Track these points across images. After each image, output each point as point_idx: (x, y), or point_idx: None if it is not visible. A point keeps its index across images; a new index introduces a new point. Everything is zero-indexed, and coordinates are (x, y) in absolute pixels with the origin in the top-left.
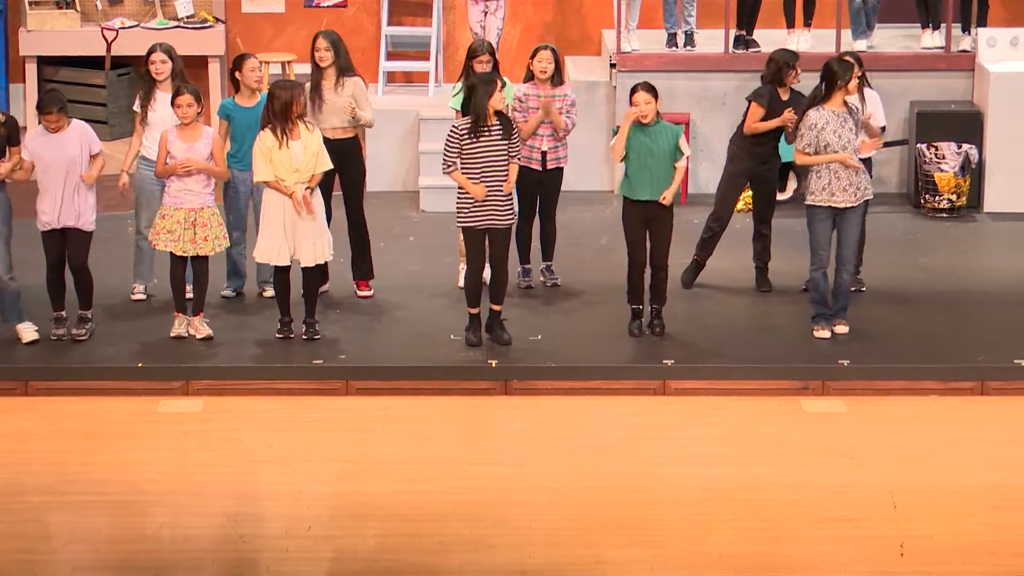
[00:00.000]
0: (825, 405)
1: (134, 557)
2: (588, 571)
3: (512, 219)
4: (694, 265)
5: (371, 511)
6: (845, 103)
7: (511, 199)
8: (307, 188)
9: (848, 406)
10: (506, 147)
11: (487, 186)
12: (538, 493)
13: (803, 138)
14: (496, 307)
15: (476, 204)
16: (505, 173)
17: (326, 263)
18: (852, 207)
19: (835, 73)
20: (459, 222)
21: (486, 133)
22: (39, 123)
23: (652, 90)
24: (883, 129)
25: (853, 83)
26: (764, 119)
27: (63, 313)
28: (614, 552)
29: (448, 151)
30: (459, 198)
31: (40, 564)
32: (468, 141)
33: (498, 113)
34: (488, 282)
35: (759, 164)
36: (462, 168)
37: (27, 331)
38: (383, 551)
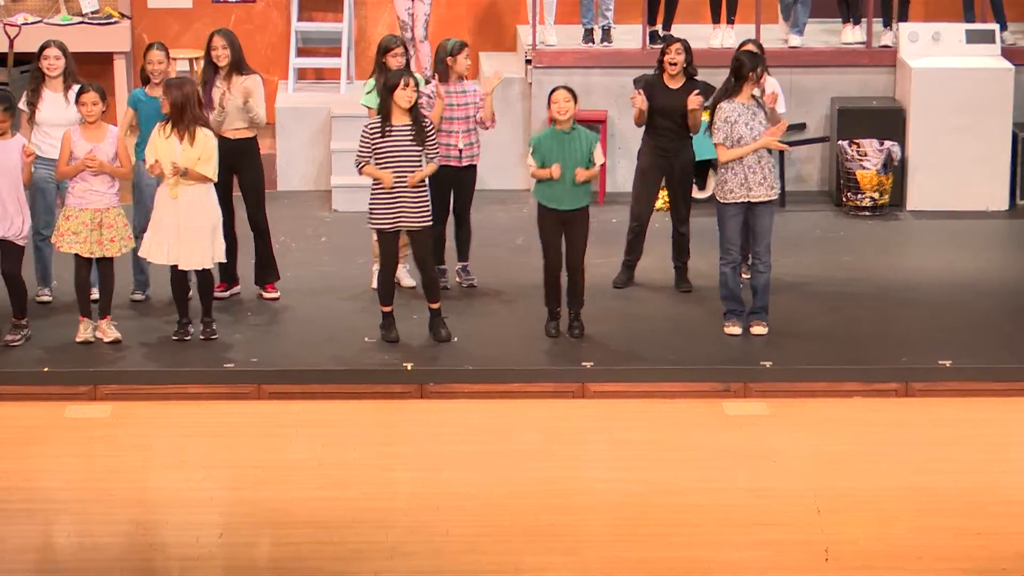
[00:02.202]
0: (747, 407)
1: (41, 566)
2: None
3: (427, 220)
4: (624, 267)
5: (284, 518)
6: (752, 96)
7: (426, 199)
8: (177, 171)
9: (770, 408)
10: (420, 149)
11: (395, 188)
12: (455, 499)
13: (719, 131)
14: (434, 305)
15: (388, 205)
16: (416, 174)
17: (234, 265)
18: (766, 202)
19: (744, 64)
20: (371, 223)
21: (393, 132)
22: None
23: (572, 93)
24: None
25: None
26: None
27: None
28: (532, 558)
29: (361, 150)
30: (372, 198)
31: None
32: (379, 139)
33: (413, 113)
34: (400, 284)
35: (660, 158)
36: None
37: None
38: (297, 558)
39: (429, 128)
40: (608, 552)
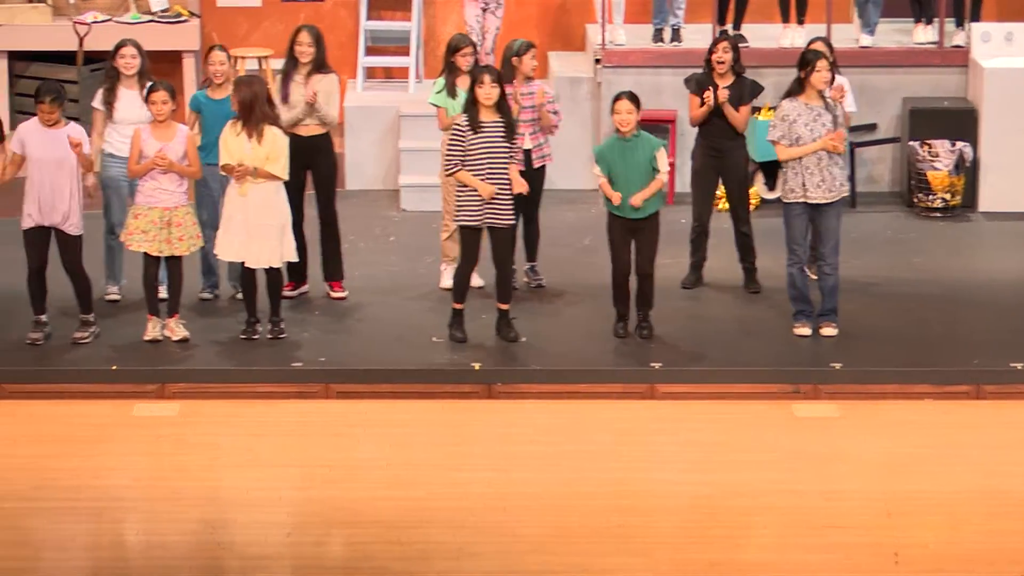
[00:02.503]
0: (817, 409)
1: (109, 564)
2: None
3: (512, 218)
4: (691, 268)
5: (351, 517)
6: (823, 98)
7: (511, 196)
8: (245, 169)
9: (840, 410)
10: (508, 145)
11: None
12: (523, 499)
13: (776, 129)
14: (503, 306)
15: (477, 201)
16: (504, 171)
17: (304, 263)
18: (830, 203)
19: (804, 60)
20: (458, 220)
21: (485, 129)
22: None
23: (635, 100)
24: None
25: (823, 73)
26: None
27: (43, 317)
28: (601, 560)
29: (451, 152)
30: (459, 194)
31: (14, 572)
32: (471, 137)
33: (502, 110)
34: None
35: (712, 158)
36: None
37: None
38: (364, 558)
39: (517, 125)
40: (677, 554)
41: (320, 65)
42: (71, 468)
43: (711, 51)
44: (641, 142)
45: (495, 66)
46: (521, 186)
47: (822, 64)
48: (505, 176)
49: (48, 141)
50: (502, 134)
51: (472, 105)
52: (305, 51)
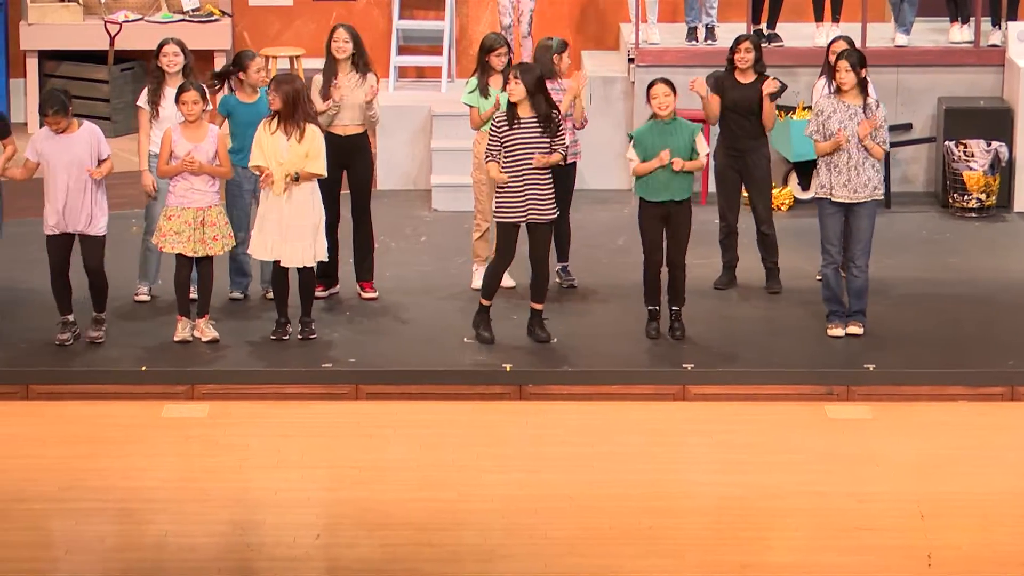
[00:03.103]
0: (850, 411)
1: (138, 566)
2: None
3: (552, 214)
4: (724, 269)
5: (381, 519)
6: (863, 97)
7: (552, 193)
8: (290, 178)
9: (874, 412)
10: (547, 139)
11: (525, 179)
12: (553, 501)
13: (810, 124)
14: (537, 306)
15: (516, 197)
16: (542, 170)
17: (335, 264)
18: (860, 203)
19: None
20: (496, 217)
21: (522, 124)
22: (40, 124)
23: (671, 84)
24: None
25: (842, 73)
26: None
27: (70, 317)
28: (632, 562)
29: (490, 144)
30: (498, 191)
31: (42, 573)
32: (507, 131)
33: (536, 105)
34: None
35: (733, 158)
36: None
37: None
38: (394, 560)
39: (558, 119)
40: (708, 556)
41: (358, 63)
42: (100, 469)
43: (733, 50)
44: (680, 126)
45: (531, 54)
46: (540, 159)
47: (841, 64)
48: (543, 172)
49: (63, 147)
50: (539, 129)
51: (509, 104)
52: (342, 47)
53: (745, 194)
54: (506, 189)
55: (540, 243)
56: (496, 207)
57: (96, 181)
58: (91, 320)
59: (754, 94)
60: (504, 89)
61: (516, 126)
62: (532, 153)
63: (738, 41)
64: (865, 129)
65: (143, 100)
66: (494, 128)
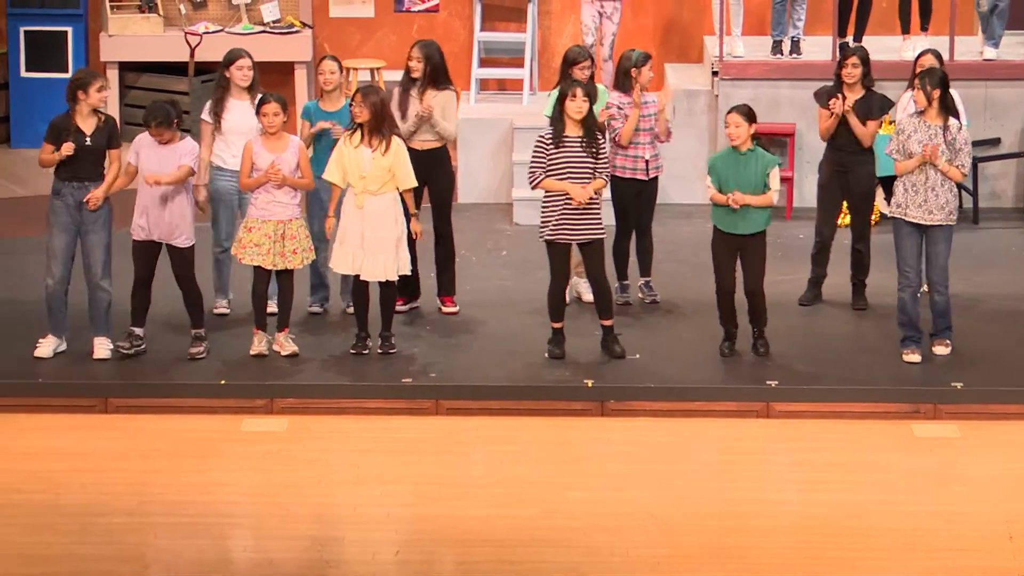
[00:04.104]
0: (937, 429)
1: None
2: None
3: (601, 232)
4: (809, 284)
5: (461, 536)
6: (947, 119)
7: (599, 210)
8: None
9: (961, 431)
10: (592, 161)
11: (569, 200)
12: (635, 519)
13: (891, 142)
14: (606, 322)
15: (561, 217)
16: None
17: (416, 278)
18: (936, 226)
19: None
20: (542, 236)
21: (567, 144)
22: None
23: (746, 114)
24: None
25: (920, 95)
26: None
27: (137, 331)
28: None
29: (534, 163)
30: (544, 210)
31: None
32: (552, 152)
33: (586, 124)
34: (580, 298)
35: (837, 173)
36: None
37: (101, 347)
38: None
39: (602, 141)
40: (792, 575)
41: (435, 80)
42: (178, 484)
43: (841, 65)
44: (756, 157)
45: (612, 75)
46: (582, 195)
47: (919, 84)
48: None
49: (161, 156)
50: (584, 149)
51: (559, 119)
52: (415, 67)
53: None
54: (551, 209)
55: (595, 260)
56: (542, 227)
57: (186, 193)
58: (191, 337)
59: (861, 110)
60: (560, 102)
61: (561, 146)
62: (575, 174)
63: (845, 56)
64: (933, 152)
65: (206, 112)
66: (539, 148)
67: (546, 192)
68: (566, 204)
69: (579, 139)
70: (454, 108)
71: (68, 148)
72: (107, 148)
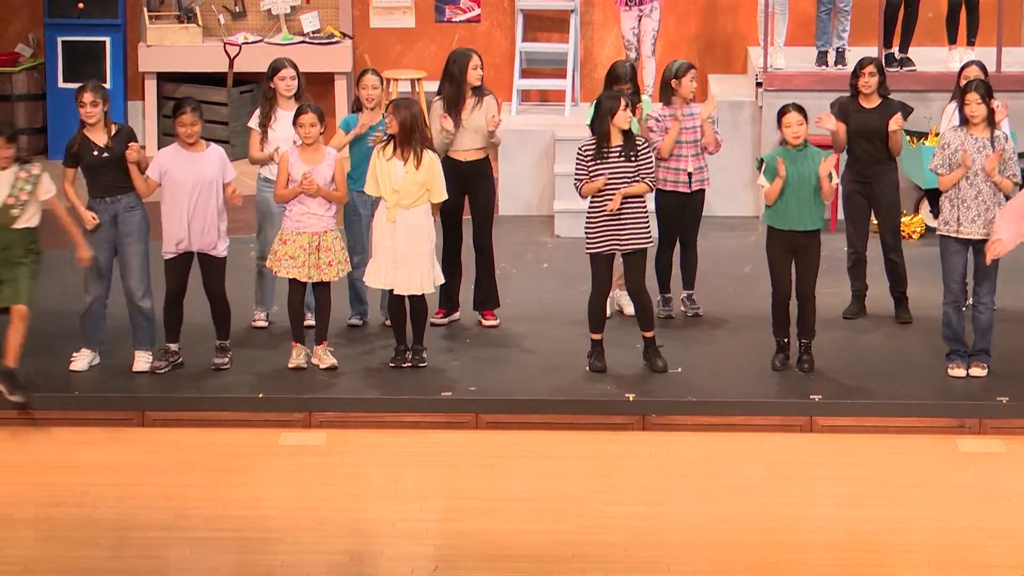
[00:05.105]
0: (982, 444)
1: None
2: None
3: (648, 241)
4: (853, 298)
5: (501, 551)
6: (992, 130)
7: (646, 219)
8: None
9: (1007, 446)
10: (633, 169)
11: (617, 209)
12: (676, 534)
13: (935, 157)
14: (647, 334)
15: (606, 227)
16: (634, 196)
17: (456, 291)
18: (984, 239)
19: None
20: (588, 248)
21: (610, 154)
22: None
23: (803, 112)
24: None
25: (972, 106)
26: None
27: (173, 347)
28: None
29: (577, 172)
30: (588, 221)
31: None
32: (593, 163)
33: (626, 133)
34: (623, 311)
35: (860, 184)
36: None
37: (142, 360)
38: None
39: (643, 146)
40: None
41: (482, 88)
42: (215, 497)
43: (856, 75)
44: (810, 153)
45: (655, 78)
46: (614, 203)
47: (971, 97)
48: (633, 200)
49: (190, 165)
50: (624, 157)
51: (603, 129)
52: (480, 75)
53: (874, 221)
54: (595, 221)
55: (636, 271)
56: (587, 238)
57: (219, 201)
58: (215, 348)
59: (879, 119)
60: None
61: (604, 157)
62: (618, 182)
63: (861, 65)
64: (992, 163)
65: (254, 122)
66: (581, 158)
67: (590, 203)
68: (611, 213)
69: (619, 148)
70: (498, 112)
71: (89, 223)
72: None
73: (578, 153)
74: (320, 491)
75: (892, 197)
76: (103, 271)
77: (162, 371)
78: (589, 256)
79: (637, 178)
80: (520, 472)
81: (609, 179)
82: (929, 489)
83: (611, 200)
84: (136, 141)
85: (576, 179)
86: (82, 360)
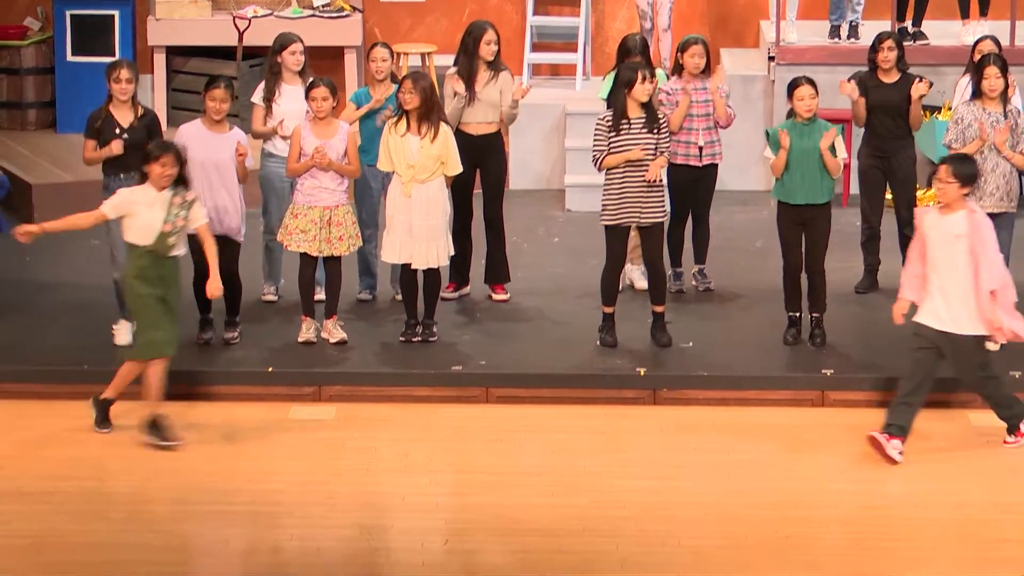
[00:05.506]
0: (994, 419)
1: (262, 570)
2: None
3: (663, 215)
4: (865, 272)
5: (511, 525)
6: (1006, 105)
7: (662, 193)
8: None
9: None
10: (654, 140)
11: (632, 182)
12: (687, 508)
13: (948, 132)
14: (659, 308)
15: (624, 199)
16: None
17: (466, 265)
18: (1001, 214)
19: (975, 68)
20: (604, 220)
21: (628, 127)
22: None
23: (815, 85)
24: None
25: (991, 80)
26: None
27: (210, 315)
28: (769, 572)
29: (597, 145)
30: (606, 194)
31: None
32: (613, 135)
33: (645, 106)
34: (633, 286)
35: (877, 158)
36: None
37: (121, 332)
38: (523, 567)
39: (662, 118)
40: (848, 567)
41: (498, 62)
42: (226, 471)
43: (875, 49)
44: (817, 127)
45: (671, 51)
46: (653, 172)
47: (990, 71)
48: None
49: (211, 144)
50: (646, 130)
51: (621, 103)
52: (493, 49)
53: (888, 195)
54: (612, 193)
55: (653, 245)
56: (604, 211)
57: (236, 184)
58: (225, 322)
59: (898, 93)
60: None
61: (624, 128)
62: (643, 154)
63: (880, 40)
64: (1002, 135)
65: (258, 97)
66: (600, 130)
67: (607, 175)
68: (629, 186)
69: (639, 119)
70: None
71: (117, 147)
72: (148, 141)
73: (596, 125)
74: (330, 465)
75: (909, 172)
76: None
77: (212, 341)
78: (605, 229)
79: (659, 150)
80: (530, 446)
81: (637, 159)
82: (942, 463)
83: (648, 170)
84: (160, 129)
85: (594, 151)
86: (125, 332)
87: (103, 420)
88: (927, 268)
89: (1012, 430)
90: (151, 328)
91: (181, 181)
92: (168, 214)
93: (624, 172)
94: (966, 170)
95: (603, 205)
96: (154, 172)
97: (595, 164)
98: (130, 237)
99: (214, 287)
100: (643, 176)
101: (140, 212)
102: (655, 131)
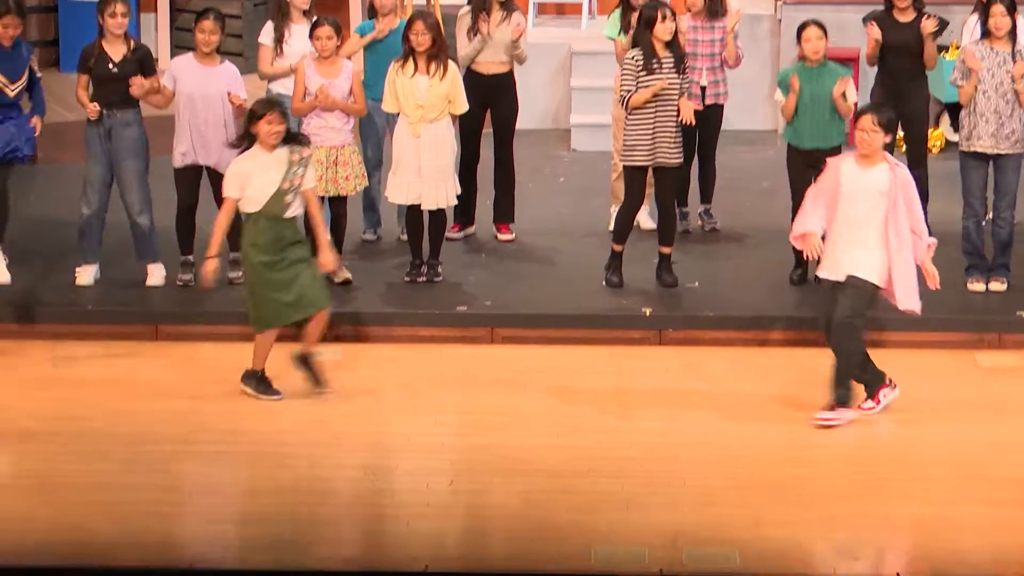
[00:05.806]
0: (1001, 359)
1: (269, 510)
2: (745, 531)
3: (680, 157)
4: None
5: (516, 465)
6: (1014, 44)
7: (679, 135)
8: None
9: None
10: (679, 80)
11: (657, 122)
12: (692, 449)
13: (955, 70)
14: (666, 249)
15: (647, 140)
16: (675, 108)
17: (472, 205)
18: (1006, 155)
19: (982, 6)
20: (624, 160)
21: (657, 67)
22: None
23: (823, 27)
24: None
25: (997, 18)
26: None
27: (191, 257)
28: (773, 512)
29: (624, 82)
30: (627, 134)
31: (169, 516)
32: (643, 74)
33: (670, 45)
34: (639, 226)
35: (892, 96)
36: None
37: (155, 274)
38: (529, 507)
39: (688, 58)
40: (849, 507)
41: (509, 1)
42: (229, 411)
43: None
44: (828, 71)
45: None
46: (687, 113)
47: (996, 9)
48: (672, 114)
49: (202, 77)
50: (673, 70)
51: (648, 42)
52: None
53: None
54: (634, 133)
55: (666, 186)
56: (624, 150)
57: (229, 116)
58: (228, 261)
59: (913, 33)
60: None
61: (652, 70)
62: (666, 95)
63: None
64: (1021, 69)
65: (266, 37)
66: (629, 70)
67: (633, 115)
68: (658, 126)
69: (667, 59)
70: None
71: (93, 112)
72: (142, 76)
73: (624, 64)
74: (335, 406)
75: (922, 112)
76: (100, 185)
77: (189, 282)
78: (624, 168)
79: (682, 90)
80: (536, 387)
81: (662, 90)
82: (947, 404)
83: (682, 111)
84: (153, 64)
85: (624, 91)
86: (87, 275)
87: (267, 388)
88: (836, 217)
89: (871, 395)
90: (264, 297)
91: (292, 138)
92: (287, 172)
93: (654, 111)
94: (889, 117)
95: (627, 145)
96: (262, 131)
97: (622, 104)
98: (245, 206)
99: (327, 259)
100: (669, 117)
101: (256, 177)
102: (684, 70)
